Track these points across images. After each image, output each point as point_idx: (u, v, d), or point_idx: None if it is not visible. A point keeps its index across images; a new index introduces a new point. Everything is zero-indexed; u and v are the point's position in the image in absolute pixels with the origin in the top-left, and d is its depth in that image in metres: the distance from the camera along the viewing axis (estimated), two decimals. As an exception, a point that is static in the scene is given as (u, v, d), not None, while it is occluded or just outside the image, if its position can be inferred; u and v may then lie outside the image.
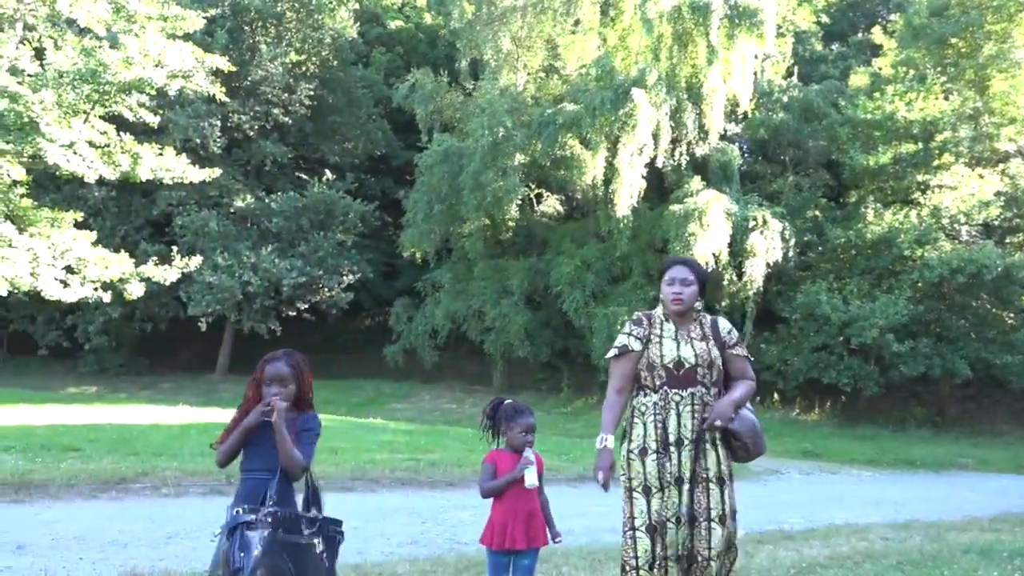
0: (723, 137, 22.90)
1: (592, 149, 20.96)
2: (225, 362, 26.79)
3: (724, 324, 3.66)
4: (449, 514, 7.51)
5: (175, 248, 19.10)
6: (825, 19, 31.93)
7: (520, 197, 22.47)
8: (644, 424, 3.48)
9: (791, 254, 21.24)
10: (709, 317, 3.67)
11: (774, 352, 20.82)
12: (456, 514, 7.45)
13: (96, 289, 14.08)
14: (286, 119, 26.44)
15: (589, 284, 21.23)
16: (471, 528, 6.36)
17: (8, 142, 12.64)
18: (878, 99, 22.39)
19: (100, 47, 13.16)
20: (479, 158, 21.56)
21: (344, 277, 25.51)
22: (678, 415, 3.44)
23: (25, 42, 13.86)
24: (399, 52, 31.60)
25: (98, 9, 13.47)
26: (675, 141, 21.72)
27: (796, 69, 26.26)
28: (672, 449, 3.42)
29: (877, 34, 27.24)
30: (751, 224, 20.47)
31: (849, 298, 19.87)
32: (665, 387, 3.47)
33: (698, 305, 3.63)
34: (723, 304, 20.86)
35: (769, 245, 20.51)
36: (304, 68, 27.50)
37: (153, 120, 14.55)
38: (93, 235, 14.92)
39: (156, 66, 13.10)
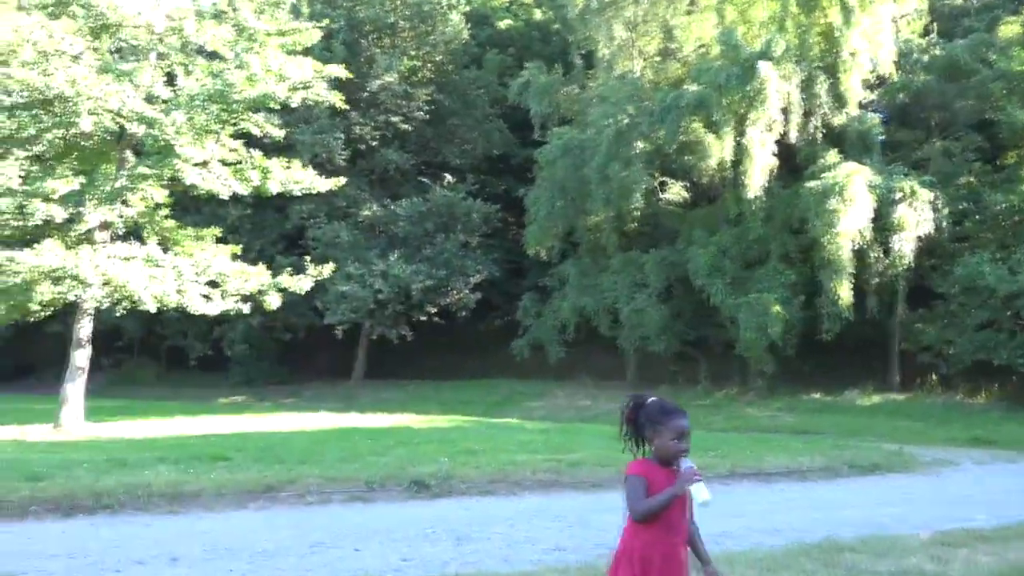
0: (860, 105, 21.42)
1: (718, 130, 20.04)
2: (361, 368, 27.46)
3: None
4: (596, 517, 7.13)
5: (308, 259, 19.61)
6: (965, -31, 29.38)
7: (644, 186, 21.80)
8: None
9: (945, 224, 19.62)
10: None
11: (932, 333, 19.29)
12: (603, 517, 7.03)
13: (237, 302, 14.57)
14: (406, 126, 26.79)
15: (728, 272, 20.27)
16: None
17: (149, 166, 13.26)
18: (1035, 48, 20.36)
19: (227, 68, 13.61)
20: (604, 149, 21.05)
21: (471, 277, 25.63)
22: None
23: (158, 69, 14.49)
24: (511, 51, 31.48)
25: (222, 32, 13.94)
26: (807, 114, 20.51)
27: (935, 26, 24.26)
28: None
29: (1028, -22, 24.79)
30: (897, 196, 19.03)
31: (1016, 268, 18.10)
32: None
33: None
34: (872, 284, 19.52)
35: (919, 217, 19.04)
36: (420, 75, 27.79)
37: (279, 134, 14.96)
38: (238, 248, 15.45)
39: (278, 81, 13.43)
